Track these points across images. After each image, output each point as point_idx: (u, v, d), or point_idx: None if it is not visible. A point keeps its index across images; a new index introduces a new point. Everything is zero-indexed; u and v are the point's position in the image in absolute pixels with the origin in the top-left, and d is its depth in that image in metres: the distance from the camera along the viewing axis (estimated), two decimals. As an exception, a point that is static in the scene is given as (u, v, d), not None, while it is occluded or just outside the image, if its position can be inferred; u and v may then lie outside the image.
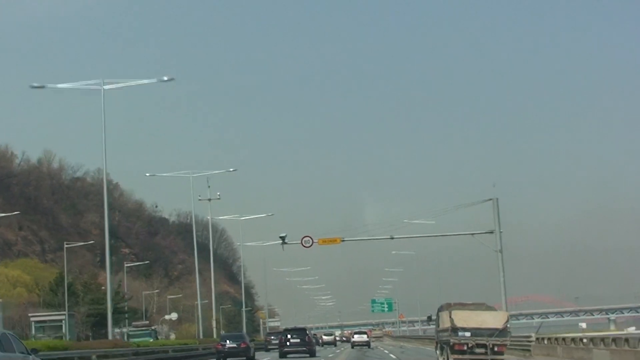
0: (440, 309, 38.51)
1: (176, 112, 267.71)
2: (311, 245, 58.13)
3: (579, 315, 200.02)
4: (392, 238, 58.62)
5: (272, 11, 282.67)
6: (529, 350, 47.10)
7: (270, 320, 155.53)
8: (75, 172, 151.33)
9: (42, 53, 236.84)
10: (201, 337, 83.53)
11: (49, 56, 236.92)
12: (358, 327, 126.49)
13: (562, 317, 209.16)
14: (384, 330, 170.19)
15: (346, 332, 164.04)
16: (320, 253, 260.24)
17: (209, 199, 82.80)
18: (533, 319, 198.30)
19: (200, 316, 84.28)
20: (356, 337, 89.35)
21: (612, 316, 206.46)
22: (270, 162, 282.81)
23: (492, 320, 35.55)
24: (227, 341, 55.43)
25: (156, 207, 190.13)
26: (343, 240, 58.77)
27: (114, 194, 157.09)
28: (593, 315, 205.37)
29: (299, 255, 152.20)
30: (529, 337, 49.46)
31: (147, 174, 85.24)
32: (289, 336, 58.00)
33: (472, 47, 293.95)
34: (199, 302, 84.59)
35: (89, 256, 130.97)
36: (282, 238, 58.30)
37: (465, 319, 35.35)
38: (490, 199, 56.60)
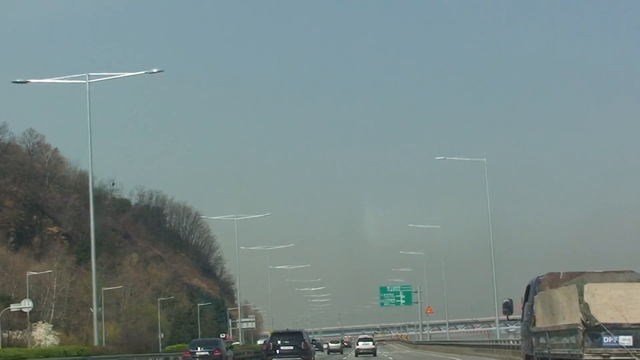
0: (536, 282, 18.83)
1: (170, 106, 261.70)
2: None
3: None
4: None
5: (275, 7, 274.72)
6: None
7: (243, 320, 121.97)
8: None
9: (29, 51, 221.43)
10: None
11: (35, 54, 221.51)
12: (361, 332, 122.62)
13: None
14: (390, 334, 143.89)
15: (346, 337, 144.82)
16: (316, 244, 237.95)
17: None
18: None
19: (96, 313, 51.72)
20: (360, 345, 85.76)
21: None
22: (268, 161, 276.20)
23: None
24: (198, 348, 52.58)
25: (113, 184, 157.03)
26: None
27: (45, 157, 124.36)
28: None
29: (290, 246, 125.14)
30: None
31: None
32: (278, 342, 48.65)
33: (470, 47, 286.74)
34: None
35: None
36: None
37: (616, 303, 14.97)
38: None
